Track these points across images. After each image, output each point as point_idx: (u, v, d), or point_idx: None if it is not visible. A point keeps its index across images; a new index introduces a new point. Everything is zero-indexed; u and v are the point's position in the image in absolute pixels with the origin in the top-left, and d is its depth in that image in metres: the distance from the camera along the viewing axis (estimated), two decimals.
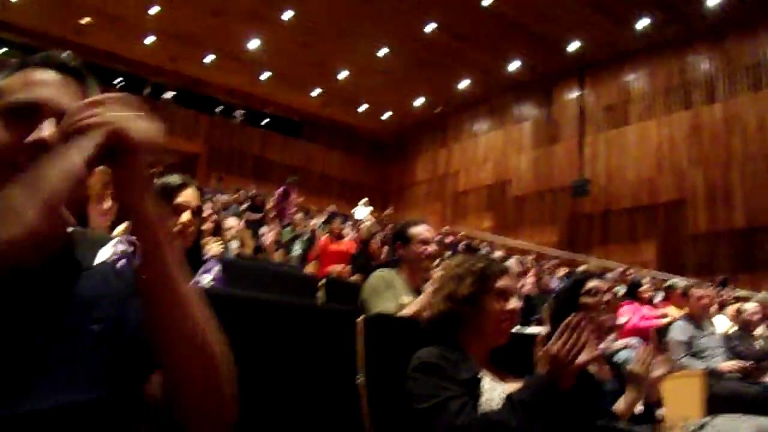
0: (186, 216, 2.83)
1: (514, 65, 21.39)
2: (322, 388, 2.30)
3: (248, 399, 1.56)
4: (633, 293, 7.84)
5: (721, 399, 5.00)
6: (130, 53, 22.17)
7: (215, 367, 1.10)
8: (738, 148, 16.91)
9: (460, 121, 25.52)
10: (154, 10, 19.24)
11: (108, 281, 1.26)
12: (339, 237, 10.36)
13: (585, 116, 20.99)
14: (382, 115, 26.66)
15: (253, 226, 10.86)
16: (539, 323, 6.24)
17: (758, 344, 6.32)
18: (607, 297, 3.23)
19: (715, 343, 5.99)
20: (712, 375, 5.36)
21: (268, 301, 2.37)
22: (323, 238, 10.44)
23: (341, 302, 4.18)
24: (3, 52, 21.64)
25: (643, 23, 17.91)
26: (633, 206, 18.91)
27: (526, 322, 6.54)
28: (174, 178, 2.93)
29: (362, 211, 19.61)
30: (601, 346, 2.13)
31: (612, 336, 5.65)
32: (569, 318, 2.07)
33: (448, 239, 17.34)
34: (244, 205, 14.52)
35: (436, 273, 3.27)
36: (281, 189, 15.22)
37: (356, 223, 14.87)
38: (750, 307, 6.63)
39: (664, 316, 7.44)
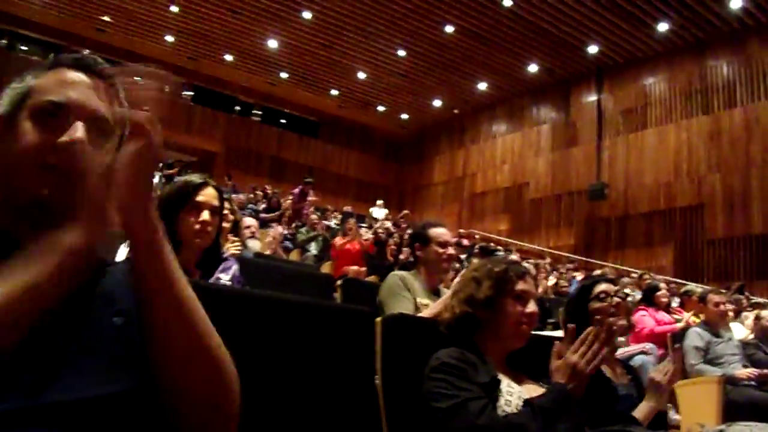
0: (206, 215, 2.86)
1: (532, 68, 21.31)
2: (340, 388, 2.31)
3: (266, 398, 1.56)
4: (649, 298, 7.80)
5: (737, 406, 4.99)
6: (150, 52, 22.24)
7: (220, 374, 1.10)
8: (757, 153, 16.76)
9: (478, 123, 25.44)
10: (174, 9, 19.30)
11: (129, 276, 1.27)
12: (353, 237, 10.38)
13: (603, 119, 20.88)
14: (400, 116, 26.64)
15: (269, 226, 10.89)
16: (555, 327, 6.24)
17: None
18: (616, 300, 3.23)
19: (731, 349, 5.96)
20: (729, 382, 5.34)
21: (288, 301, 2.38)
22: (338, 238, 10.46)
23: (358, 302, 4.19)
24: (25, 50, 21.81)
25: (662, 26, 17.77)
26: (650, 211, 18.76)
27: (542, 326, 6.54)
28: (194, 177, 2.96)
29: (379, 212, 19.66)
30: (619, 352, 2.12)
31: (624, 339, 5.63)
32: (587, 330, 2.08)
33: (464, 241, 17.34)
34: (261, 205, 14.58)
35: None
36: (298, 189, 15.29)
37: (372, 224, 14.91)
38: None
39: (681, 322, 7.42)
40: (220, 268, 3.18)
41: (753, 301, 11.98)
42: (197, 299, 1.10)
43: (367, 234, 11.59)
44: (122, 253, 2.96)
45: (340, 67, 22.46)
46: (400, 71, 22.29)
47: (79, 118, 1.14)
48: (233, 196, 12.74)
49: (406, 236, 12.34)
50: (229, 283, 3.12)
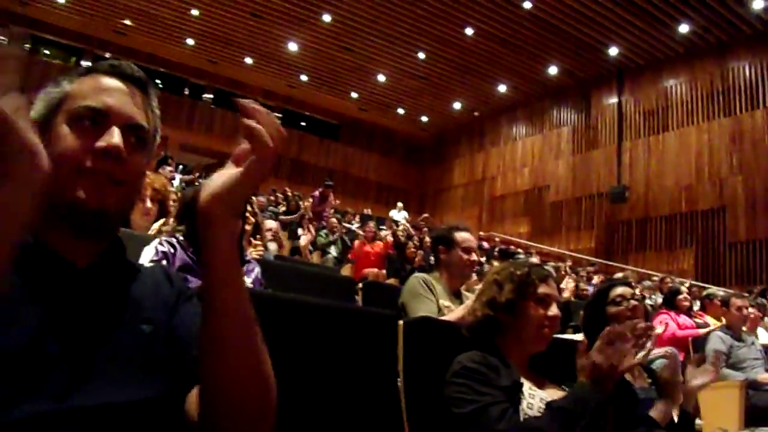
0: None
1: (552, 70, 21.24)
2: (363, 390, 2.31)
3: (289, 400, 1.57)
4: (671, 302, 7.76)
5: (759, 411, 4.95)
6: (171, 55, 22.41)
7: (269, 392, 1.10)
8: None
9: (498, 126, 25.37)
10: (194, 12, 19.39)
11: (159, 284, 1.29)
12: (373, 240, 10.40)
13: (624, 122, 20.78)
14: (420, 118, 26.63)
15: (289, 228, 10.94)
16: (576, 330, 6.22)
17: None
18: (633, 303, 3.22)
19: (754, 354, 5.93)
20: (751, 386, 5.30)
21: (312, 304, 2.39)
22: (358, 241, 10.49)
23: (378, 305, 4.19)
24: (47, 53, 22.00)
25: (683, 28, 17.65)
26: (671, 213, 18.64)
27: (563, 329, 6.52)
28: None
29: (398, 215, 19.67)
30: (640, 354, 2.11)
31: (650, 344, 5.58)
32: (609, 328, 2.07)
33: (485, 244, 17.31)
34: (281, 207, 14.61)
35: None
36: (318, 192, 15.32)
37: (392, 226, 14.92)
38: None
39: (703, 326, 7.38)
40: (242, 270, 3.20)
41: None
42: (256, 321, 1.09)
43: (387, 236, 11.60)
44: (147, 254, 2.99)
45: (360, 70, 22.49)
46: (420, 74, 22.28)
47: (115, 123, 1.17)
48: (253, 198, 12.77)
49: (426, 239, 12.34)
50: (251, 285, 3.14)
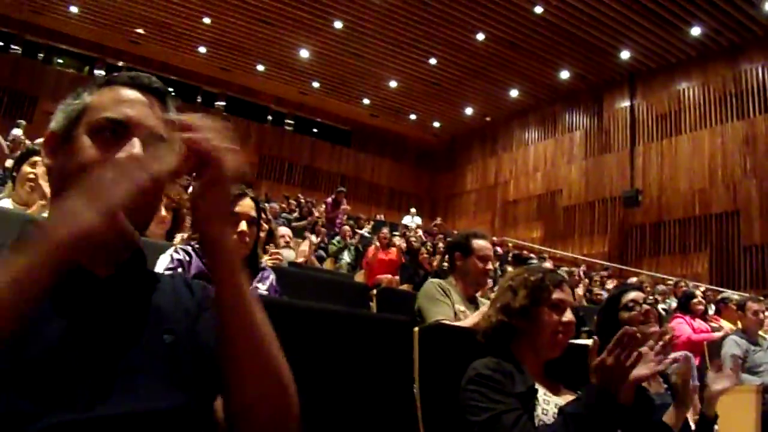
0: (243, 225, 2.89)
1: (564, 74, 21.21)
2: (378, 397, 2.32)
3: (305, 407, 1.57)
4: (685, 306, 7.72)
5: None
6: (183, 63, 22.53)
7: (285, 390, 1.12)
8: None
9: (510, 131, 25.34)
10: (206, 20, 19.47)
11: (180, 293, 1.29)
12: (387, 246, 10.38)
13: (636, 125, 20.72)
14: (432, 124, 26.64)
15: (302, 235, 10.95)
16: (590, 335, 6.20)
17: None
18: (645, 308, 3.22)
19: None
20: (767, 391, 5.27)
21: (329, 311, 2.40)
22: (371, 247, 10.48)
23: (393, 311, 4.20)
24: (61, 63, 22.14)
25: (696, 31, 17.58)
26: (685, 217, 18.54)
27: (577, 334, 6.50)
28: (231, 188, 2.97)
29: (411, 220, 19.67)
30: (668, 360, 2.11)
31: (669, 351, 5.56)
32: (622, 331, 2.06)
33: (498, 249, 17.28)
34: (294, 214, 14.65)
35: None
36: (331, 198, 15.35)
37: (405, 232, 14.92)
38: None
39: (718, 329, 7.34)
40: (258, 278, 3.21)
41: None
42: (268, 322, 1.12)
43: (400, 243, 11.58)
44: (162, 263, 3.00)
45: (371, 76, 22.52)
46: (431, 79, 22.29)
47: (135, 134, 1.17)
48: (267, 205, 12.84)
49: (440, 245, 12.33)
50: (266, 293, 3.15)
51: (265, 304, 1.13)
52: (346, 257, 11.37)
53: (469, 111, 24.99)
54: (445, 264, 8.05)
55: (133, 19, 19.88)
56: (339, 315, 2.42)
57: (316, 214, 14.78)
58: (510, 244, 20.16)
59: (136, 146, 1.15)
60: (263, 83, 23.96)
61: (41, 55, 21.56)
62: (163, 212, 4.15)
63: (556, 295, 2.38)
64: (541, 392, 2.20)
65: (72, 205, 0.91)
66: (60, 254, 0.90)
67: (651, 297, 9.75)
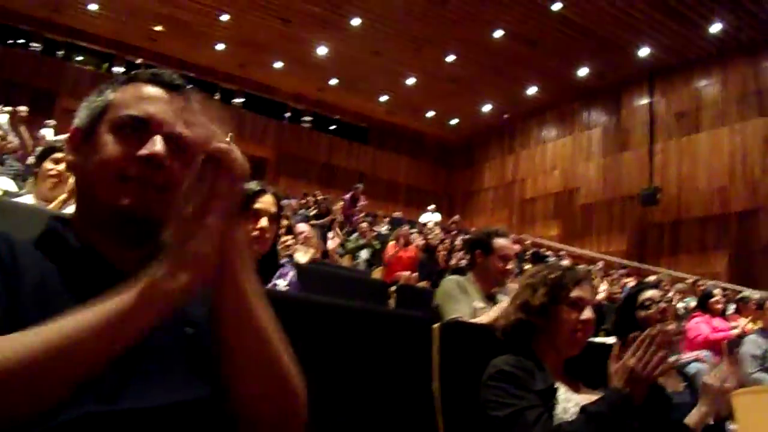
0: (264, 222, 2.90)
1: (582, 71, 21.11)
2: (397, 393, 2.33)
3: (324, 403, 1.59)
4: (704, 305, 7.67)
5: None
6: (201, 59, 22.56)
7: (290, 390, 1.12)
8: None
9: (528, 128, 25.27)
10: (224, 17, 19.52)
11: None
12: (406, 244, 10.39)
13: (655, 123, 20.59)
14: (450, 121, 26.59)
15: (319, 232, 10.97)
16: (608, 333, 6.18)
17: None
18: (662, 306, 3.21)
19: None
20: None
21: (349, 308, 2.41)
22: (390, 244, 10.48)
23: (411, 308, 4.21)
24: (80, 60, 22.26)
25: (715, 27, 17.43)
26: (704, 216, 18.40)
27: (595, 332, 6.48)
28: (252, 184, 2.98)
29: (429, 217, 19.63)
30: (672, 358, 2.11)
31: (682, 348, 5.54)
32: (646, 333, 2.07)
33: (516, 247, 17.21)
34: (312, 211, 14.65)
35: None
36: (349, 195, 15.35)
37: (423, 230, 14.89)
38: None
39: (737, 329, 7.29)
40: (277, 274, 3.23)
41: None
42: (274, 319, 1.12)
43: (417, 239, 11.58)
44: None
45: (389, 73, 22.49)
46: (449, 77, 22.22)
47: (157, 131, 1.19)
48: (285, 202, 12.83)
49: (457, 242, 12.31)
50: (286, 288, 3.16)
51: (287, 299, 1.14)
52: (364, 254, 11.38)
53: (486, 108, 24.91)
54: (463, 261, 8.05)
55: (151, 17, 19.94)
56: (359, 311, 2.43)
57: (334, 210, 14.79)
58: (527, 242, 20.08)
59: (158, 144, 1.17)
60: (281, 80, 23.97)
61: (61, 52, 21.67)
62: None
63: (575, 293, 2.38)
64: (562, 390, 2.20)
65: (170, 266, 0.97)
66: (164, 306, 0.98)
67: (669, 295, 9.71)
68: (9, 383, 0.88)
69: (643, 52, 19.33)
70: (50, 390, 0.92)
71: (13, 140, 7.95)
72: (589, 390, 2.35)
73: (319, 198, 16.00)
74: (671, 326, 3.12)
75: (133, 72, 1.31)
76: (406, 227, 11.01)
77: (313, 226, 10.60)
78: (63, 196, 3.86)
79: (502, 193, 25.89)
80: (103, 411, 1.00)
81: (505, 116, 25.26)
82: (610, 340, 4.02)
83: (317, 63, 22.28)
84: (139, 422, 1.02)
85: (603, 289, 9.02)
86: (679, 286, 12.53)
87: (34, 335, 0.91)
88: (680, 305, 9.99)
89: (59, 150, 4.14)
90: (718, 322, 7.30)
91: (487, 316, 3.54)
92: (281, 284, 3.18)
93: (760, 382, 5.48)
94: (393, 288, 4.89)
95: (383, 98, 24.86)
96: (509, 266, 4.03)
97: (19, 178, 6.51)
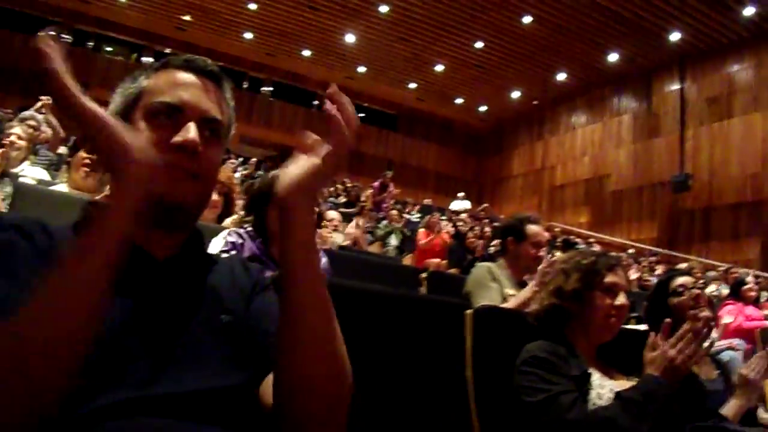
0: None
1: (612, 56, 20.89)
2: (430, 379, 2.33)
3: (357, 388, 1.60)
4: (736, 293, 7.61)
5: None
6: (230, 49, 22.61)
7: (345, 371, 1.12)
8: None
9: (557, 114, 25.09)
10: (252, 6, 19.57)
11: (237, 274, 1.32)
12: (436, 230, 10.41)
13: (686, 109, 20.36)
14: (479, 108, 26.49)
15: (348, 219, 11.00)
16: (639, 321, 6.15)
17: None
18: (695, 292, 3.19)
19: None
20: None
21: (381, 293, 2.42)
22: (421, 231, 10.50)
23: (442, 294, 4.21)
24: (109, 51, 22.43)
25: (748, 11, 17.12)
26: (736, 202, 18.17)
27: (626, 320, 6.44)
28: None
29: (459, 205, 19.62)
30: (706, 344, 2.11)
31: (716, 335, 5.50)
32: (685, 327, 2.07)
33: (546, 234, 17.14)
34: (341, 198, 14.69)
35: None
36: (378, 182, 15.37)
37: (452, 217, 14.89)
38: None
39: None
40: None
41: None
42: (331, 303, 1.10)
43: (447, 227, 11.59)
44: (216, 245, 3.05)
45: (417, 60, 22.43)
46: (478, 63, 22.14)
47: (191, 118, 1.20)
48: None
49: (486, 229, 12.29)
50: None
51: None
52: (394, 241, 11.39)
53: (515, 95, 24.77)
54: (492, 247, 8.02)
55: (179, 6, 20.06)
56: (393, 297, 2.44)
57: (363, 198, 14.81)
58: (557, 229, 20.00)
59: (191, 130, 1.18)
60: (309, 68, 23.97)
61: (90, 43, 21.85)
62: (215, 196, 4.20)
63: (609, 278, 2.38)
64: (596, 376, 2.20)
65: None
66: (125, 224, 0.96)
67: (701, 282, 9.64)
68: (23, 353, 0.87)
69: (674, 36, 19.09)
70: (68, 349, 0.90)
71: (45, 130, 8.03)
72: (622, 376, 2.35)
73: (348, 185, 16.03)
74: (704, 313, 3.09)
75: (166, 58, 1.32)
76: (436, 215, 11.02)
77: (342, 213, 10.65)
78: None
79: (532, 180, 25.77)
80: (139, 396, 1.02)
81: (535, 102, 25.12)
82: (641, 327, 4.00)
83: (345, 51, 22.31)
84: (175, 407, 1.04)
85: (634, 277, 8.95)
86: (711, 273, 12.43)
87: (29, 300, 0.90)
88: (711, 291, 9.89)
89: None
90: (751, 310, 7.24)
91: (516, 298, 3.54)
92: None
93: None
94: (424, 274, 4.89)
95: (412, 85, 24.80)
96: (541, 253, 4.01)
97: (52, 167, 6.56)
